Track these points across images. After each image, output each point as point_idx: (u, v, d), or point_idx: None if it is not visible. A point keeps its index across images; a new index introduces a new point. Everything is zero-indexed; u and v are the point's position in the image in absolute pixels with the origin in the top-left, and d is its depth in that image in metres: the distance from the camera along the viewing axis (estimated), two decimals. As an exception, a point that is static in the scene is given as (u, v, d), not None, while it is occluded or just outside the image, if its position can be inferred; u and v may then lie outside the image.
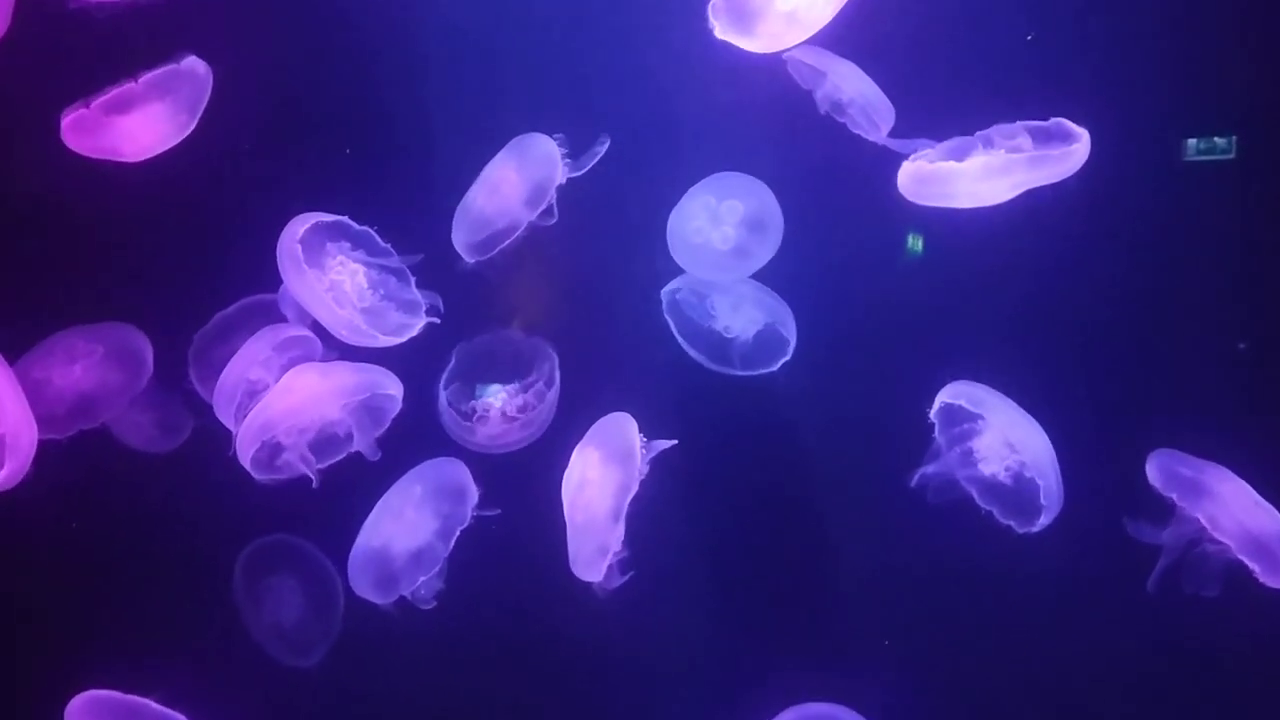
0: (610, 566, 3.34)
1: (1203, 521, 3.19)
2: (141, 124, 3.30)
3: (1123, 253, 3.64)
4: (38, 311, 3.54)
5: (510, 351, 3.70)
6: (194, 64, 3.33)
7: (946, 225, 3.39)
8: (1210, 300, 3.67)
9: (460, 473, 3.54)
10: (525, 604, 3.73)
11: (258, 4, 3.59)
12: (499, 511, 3.47)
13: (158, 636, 3.71)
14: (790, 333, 3.66)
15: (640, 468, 3.32)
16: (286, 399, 3.31)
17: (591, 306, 3.79)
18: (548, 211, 3.53)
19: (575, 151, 3.52)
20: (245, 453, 3.30)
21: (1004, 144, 3.23)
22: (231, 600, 3.79)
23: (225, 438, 3.40)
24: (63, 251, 3.63)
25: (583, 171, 3.52)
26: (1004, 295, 3.66)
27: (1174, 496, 3.25)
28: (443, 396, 3.62)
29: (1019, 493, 3.36)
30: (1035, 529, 3.33)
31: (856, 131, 3.41)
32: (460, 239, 3.57)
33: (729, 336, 3.69)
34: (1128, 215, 3.61)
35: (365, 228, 3.37)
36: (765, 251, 3.64)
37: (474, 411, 3.60)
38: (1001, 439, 3.39)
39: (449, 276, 3.53)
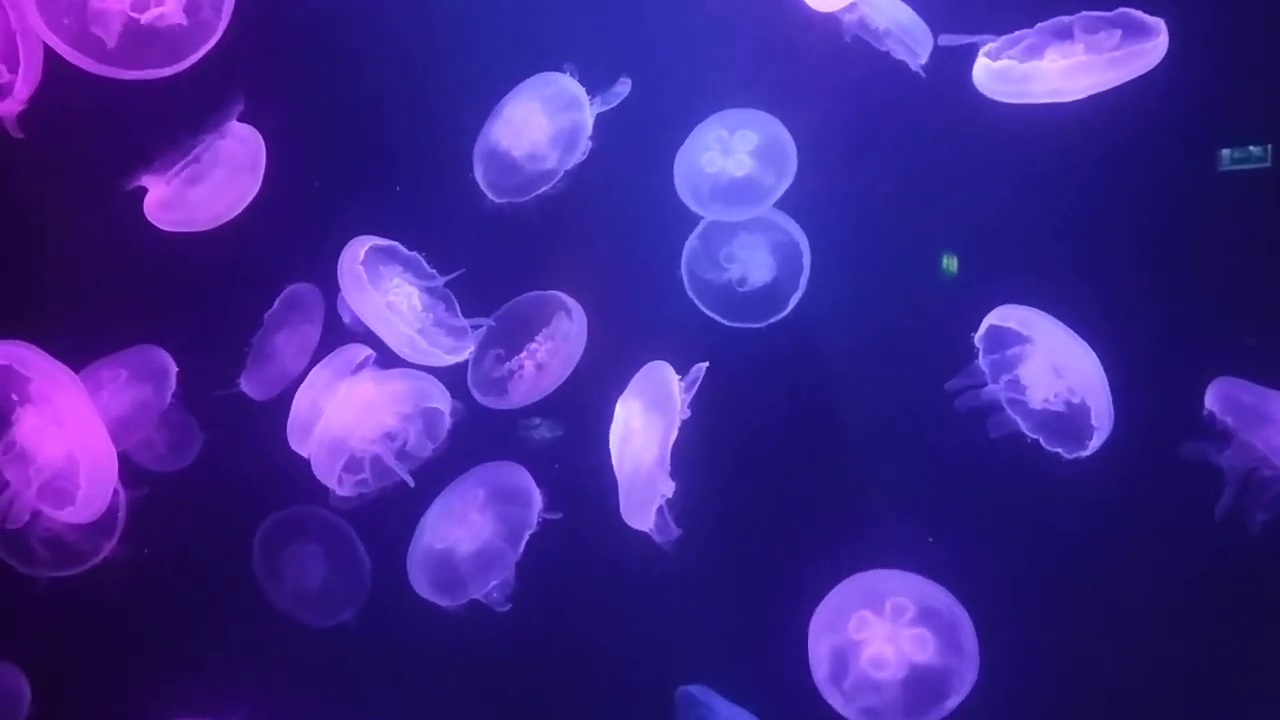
0: (661, 513, 3.35)
1: (1261, 449, 3.19)
2: (210, 195, 3.43)
3: (1175, 169, 3.58)
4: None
5: (524, 309, 3.75)
6: (244, 130, 3.44)
7: (986, 137, 3.38)
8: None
9: (521, 477, 3.62)
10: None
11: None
12: (561, 515, 3.55)
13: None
14: (805, 270, 3.68)
15: (681, 412, 3.34)
16: (345, 412, 3.42)
17: (607, 258, 3.82)
18: (579, 153, 3.56)
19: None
20: (328, 473, 3.42)
21: (1083, 39, 3.17)
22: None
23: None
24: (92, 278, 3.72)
25: (604, 110, 3.55)
26: (1041, 216, 3.63)
27: (1230, 421, 3.24)
28: (472, 373, 3.67)
29: (1068, 417, 3.34)
30: (1085, 453, 3.31)
31: (899, 58, 3.34)
32: (488, 179, 3.62)
33: (742, 290, 3.71)
34: (1185, 130, 3.54)
35: (414, 253, 3.50)
36: (779, 182, 3.64)
37: (508, 374, 3.58)
38: (1050, 362, 3.36)
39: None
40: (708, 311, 3.75)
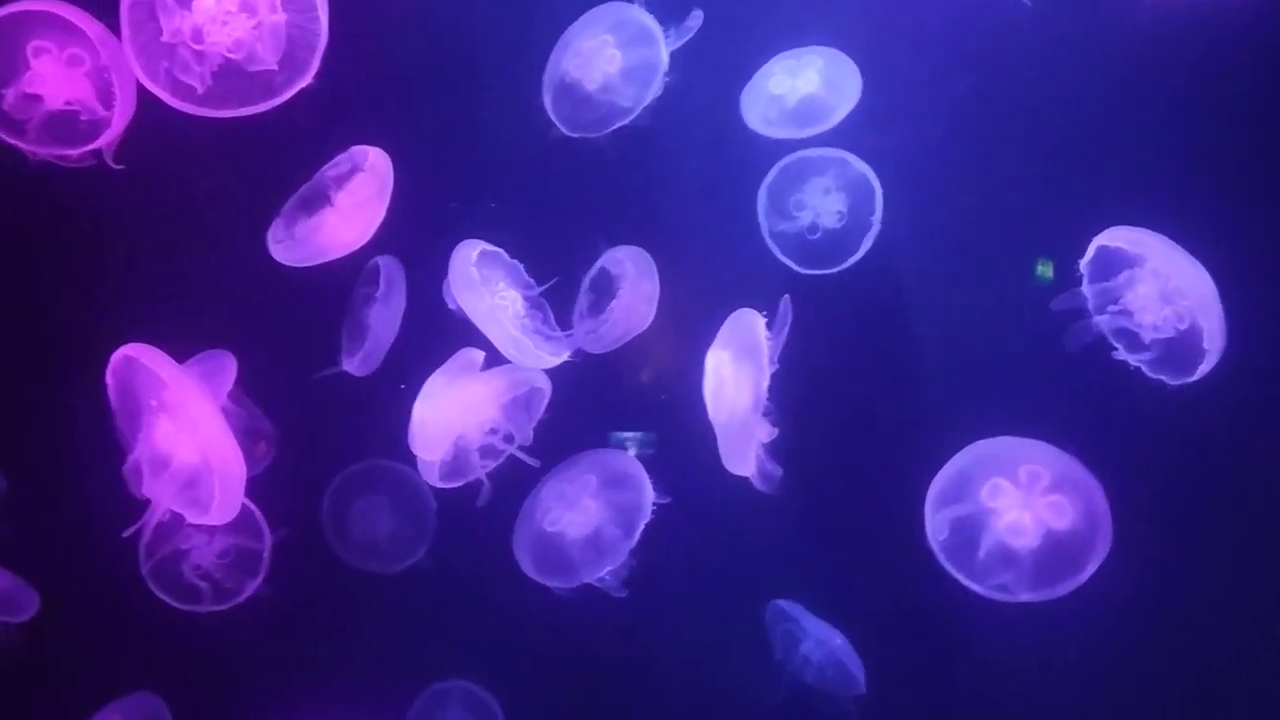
0: (761, 458, 3.44)
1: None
2: (340, 226, 3.54)
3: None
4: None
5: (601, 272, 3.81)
6: (376, 160, 3.50)
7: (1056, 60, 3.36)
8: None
9: (631, 463, 3.71)
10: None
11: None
12: (670, 499, 3.60)
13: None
14: (878, 208, 3.68)
15: (770, 357, 3.39)
16: (452, 411, 3.54)
17: (680, 200, 3.87)
18: (655, 89, 3.56)
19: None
20: (431, 470, 3.58)
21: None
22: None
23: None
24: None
25: (676, 46, 3.53)
26: (1117, 139, 3.59)
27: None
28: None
29: (1177, 342, 3.24)
30: (1192, 379, 3.21)
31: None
32: (560, 112, 3.65)
33: (813, 237, 3.73)
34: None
35: (515, 261, 3.59)
36: (846, 102, 3.64)
37: (601, 324, 3.73)
38: (1161, 284, 3.25)
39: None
40: (782, 258, 3.79)
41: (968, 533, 3.34)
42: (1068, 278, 3.34)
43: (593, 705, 4.13)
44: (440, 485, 3.65)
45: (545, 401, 3.64)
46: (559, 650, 3.98)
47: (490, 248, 3.54)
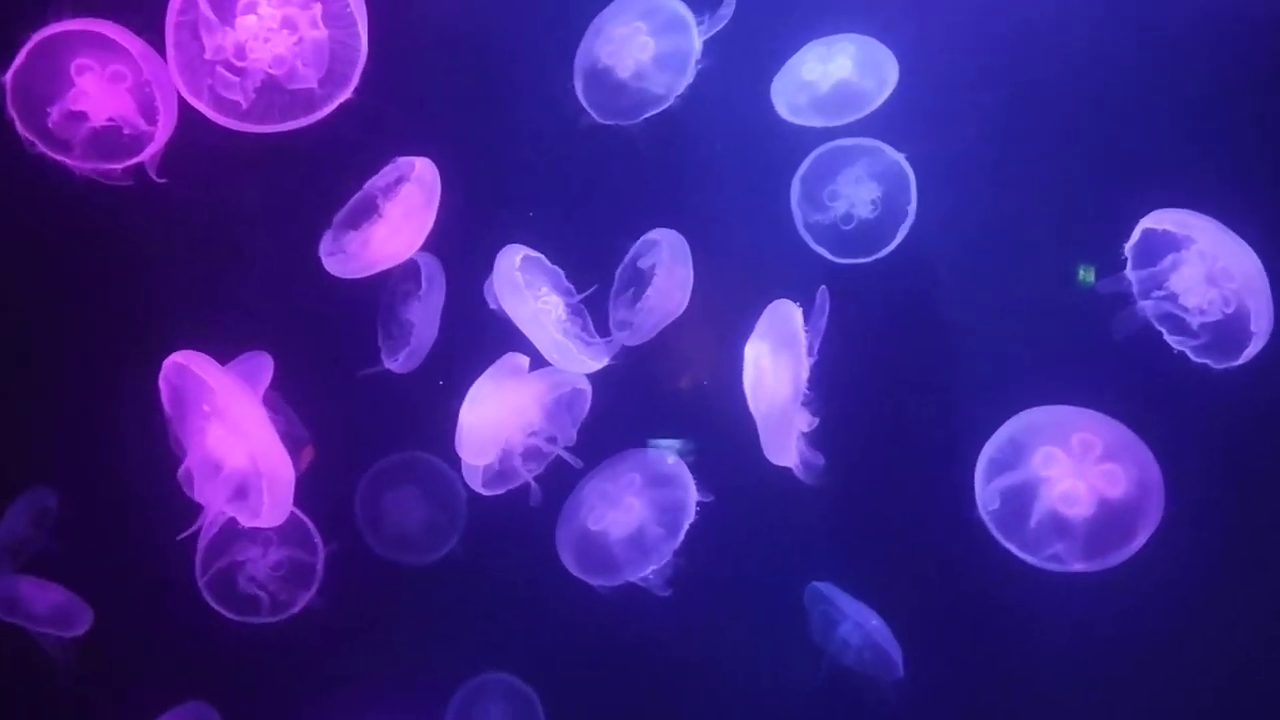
0: (802, 448, 3.47)
1: None
2: (390, 236, 3.57)
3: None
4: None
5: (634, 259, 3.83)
6: (423, 170, 3.52)
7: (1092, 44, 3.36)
8: None
9: (678, 465, 3.71)
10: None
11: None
12: (713, 498, 3.62)
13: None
14: (912, 199, 3.69)
15: (809, 348, 3.40)
16: (498, 412, 3.57)
17: (713, 188, 3.88)
18: (688, 77, 3.58)
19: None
20: (474, 475, 3.62)
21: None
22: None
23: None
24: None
25: (710, 35, 3.56)
26: (1154, 124, 3.57)
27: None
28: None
29: (1223, 325, 3.20)
30: (1237, 363, 3.18)
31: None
32: (591, 98, 3.68)
33: (847, 228, 3.74)
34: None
35: (555, 267, 3.62)
36: (880, 90, 3.65)
37: (638, 312, 3.73)
38: (1208, 266, 3.21)
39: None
40: (816, 247, 3.80)
41: (1018, 502, 3.32)
42: (1111, 262, 3.32)
43: (632, 694, 4.15)
44: (484, 491, 3.68)
45: (587, 402, 3.67)
46: (595, 639, 4.00)
47: (532, 253, 3.58)
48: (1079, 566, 3.25)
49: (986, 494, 3.34)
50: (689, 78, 3.58)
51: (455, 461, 3.70)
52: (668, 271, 3.68)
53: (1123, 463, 3.25)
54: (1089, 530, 3.25)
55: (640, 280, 3.73)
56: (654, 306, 3.68)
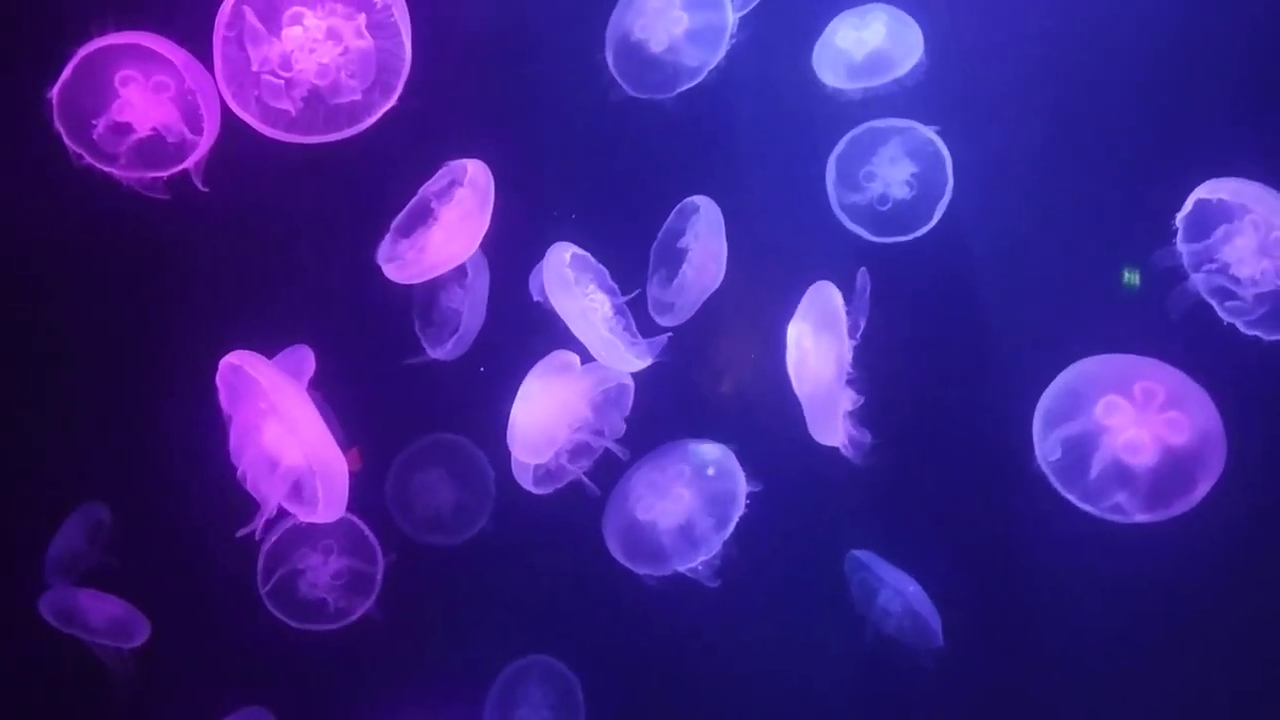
0: (848, 427, 3.48)
1: None
2: (446, 241, 3.58)
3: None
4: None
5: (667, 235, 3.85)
6: (476, 174, 3.53)
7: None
8: None
9: (726, 455, 3.73)
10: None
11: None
12: (761, 487, 3.63)
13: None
14: (949, 178, 3.70)
15: (852, 329, 3.43)
16: (551, 411, 3.60)
17: (748, 163, 3.88)
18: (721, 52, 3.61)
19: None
20: (525, 473, 3.66)
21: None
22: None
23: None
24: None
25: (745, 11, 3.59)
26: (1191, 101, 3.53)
27: None
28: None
29: (1276, 296, 3.19)
30: None
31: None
32: (622, 69, 3.71)
33: (883, 208, 3.75)
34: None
35: (601, 266, 3.63)
36: (910, 55, 3.68)
37: (676, 290, 3.76)
38: (1262, 236, 3.18)
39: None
40: (853, 227, 3.81)
41: (1079, 453, 3.30)
42: (1160, 234, 3.29)
43: (671, 676, 4.17)
44: (535, 490, 3.71)
45: (631, 396, 3.70)
46: (634, 620, 4.00)
47: (580, 251, 3.62)
48: (1141, 517, 3.23)
49: (1047, 444, 3.31)
50: (723, 52, 3.62)
51: (491, 448, 3.72)
52: (703, 245, 3.69)
53: (1186, 410, 3.22)
54: (1152, 480, 3.22)
55: (674, 259, 3.74)
56: (691, 282, 3.69)
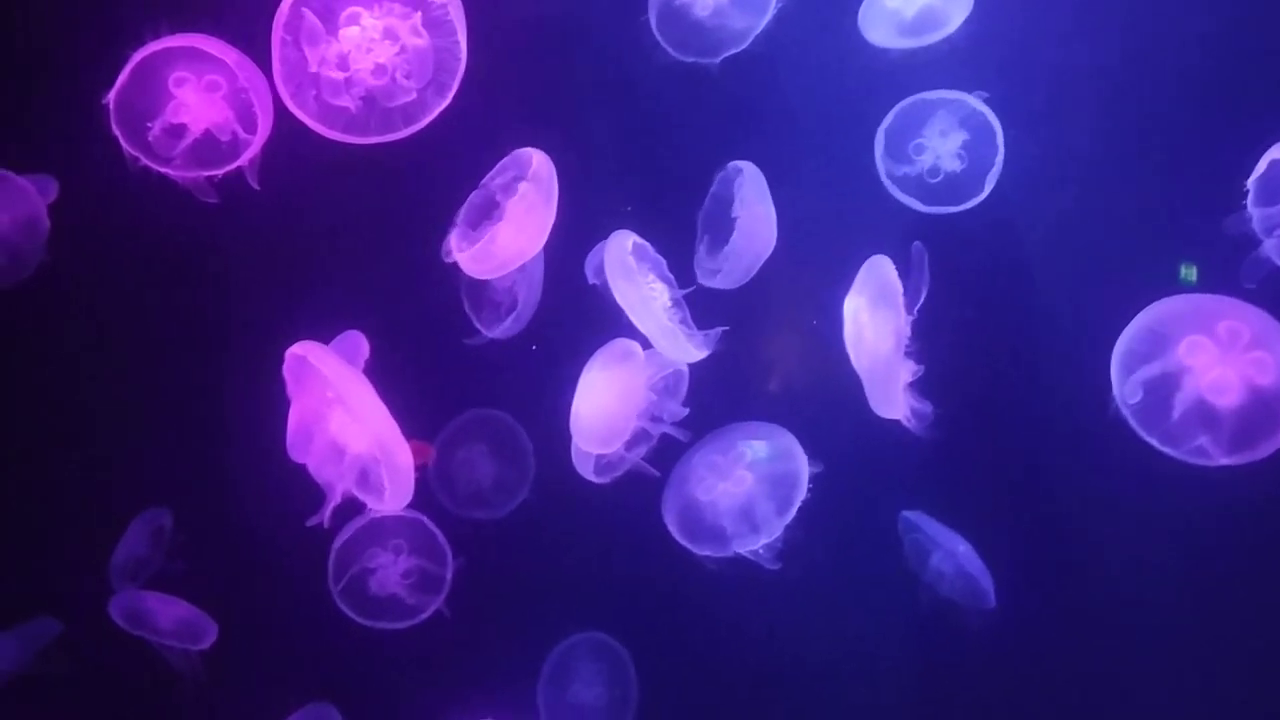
0: (909, 399, 3.48)
1: None
2: (515, 235, 3.57)
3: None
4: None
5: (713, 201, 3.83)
6: (539, 167, 3.53)
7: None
8: None
9: (788, 438, 3.72)
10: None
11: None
12: (823, 468, 3.61)
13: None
14: (999, 148, 3.67)
15: (909, 304, 3.42)
16: (616, 400, 3.59)
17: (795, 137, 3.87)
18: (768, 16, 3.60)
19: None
20: (586, 462, 3.66)
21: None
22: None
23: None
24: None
25: None
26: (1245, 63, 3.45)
27: None
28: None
29: None
30: None
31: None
32: (666, 32, 3.69)
33: (934, 180, 3.74)
34: None
35: (659, 256, 3.61)
36: (961, 7, 3.63)
37: (724, 258, 3.73)
38: None
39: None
40: (902, 198, 3.76)
41: (1160, 395, 3.22)
42: (1229, 197, 3.22)
43: (724, 657, 4.16)
44: (596, 479, 3.71)
45: (686, 383, 3.71)
46: (689, 595, 3.98)
47: (640, 240, 3.62)
48: (1225, 460, 3.16)
49: (1128, 387, 3.23)
50: (769, 16, 3.62)
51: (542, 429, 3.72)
52: (749, 210, 3.66)
53: (1273, 350, 3.15)
54: (1237, 421, 3.15)
55: (722, 225, 3.71)
56: (742, 250, 3.66)
